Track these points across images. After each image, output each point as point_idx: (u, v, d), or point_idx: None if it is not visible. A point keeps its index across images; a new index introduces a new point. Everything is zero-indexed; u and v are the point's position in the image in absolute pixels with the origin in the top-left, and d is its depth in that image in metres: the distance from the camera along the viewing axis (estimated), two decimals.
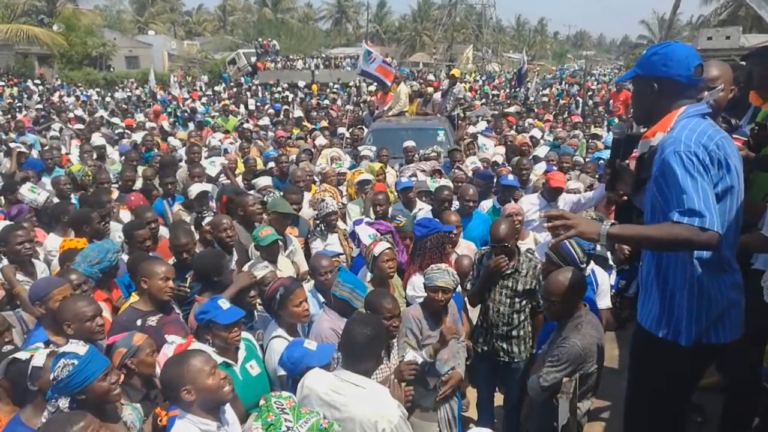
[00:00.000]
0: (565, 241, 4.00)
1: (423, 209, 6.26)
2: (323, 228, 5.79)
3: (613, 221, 2.66)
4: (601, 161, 7.61)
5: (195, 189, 6.42)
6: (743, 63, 4.39)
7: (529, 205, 6.23)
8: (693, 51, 2.68)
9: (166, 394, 2.80)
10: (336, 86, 28.68)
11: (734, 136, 3.87)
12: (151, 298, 3.75)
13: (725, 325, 2.63)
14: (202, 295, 4.23)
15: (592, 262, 4.32)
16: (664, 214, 2.48)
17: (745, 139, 3.94)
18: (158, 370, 3.02)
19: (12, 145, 9.01)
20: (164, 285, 3.73)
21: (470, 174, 7.70)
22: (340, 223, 6.05)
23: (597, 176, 7.67)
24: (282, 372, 3.36)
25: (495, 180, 7.18)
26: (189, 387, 2.59)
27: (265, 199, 6.14)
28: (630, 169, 2.97)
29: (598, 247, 4.46)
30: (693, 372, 2.84)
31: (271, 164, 8.78)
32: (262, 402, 2.60)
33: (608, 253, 4.78)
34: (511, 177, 6.65)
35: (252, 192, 6.82)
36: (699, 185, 2.39)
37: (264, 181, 7.25)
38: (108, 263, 4.23)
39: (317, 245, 5.63)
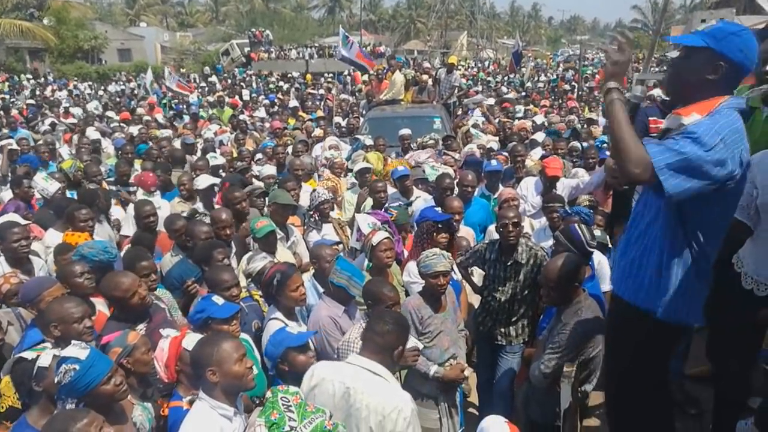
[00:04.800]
0: (574, 224, 4.02)
1: (420, 197, 6.25)
2: (317, 218, 5.74)
3: (622, 98, 2.53)
4: (605, 145, 7.50)
5: (203, 181, 6.38)
6: None
7: (527, 188, 6.24)
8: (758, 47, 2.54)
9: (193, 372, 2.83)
10: (330, 75, 28.55)
11: None
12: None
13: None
14: (201, 285, 4.25)
15: None
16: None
17: None
18: (157, 366, 3.02)
19: (2, 142, 8.93)
20: (135, 297, 3.58)
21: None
22: (333, 213, 6.02)
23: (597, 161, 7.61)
24: None
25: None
26: (215, 368, 2.62)
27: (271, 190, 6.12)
28: None
29: (598, 232, 4.47)
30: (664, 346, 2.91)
31: (259, 156, 8.76)
32: (268, 394, 2.59)
33: (607, 238, 4.79)
34: (494, 162, 6.62)
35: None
36: (703, 157, 2.31)
37: (268, 170, 7.24)
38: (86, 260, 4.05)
39: (313, 236, 5.60)
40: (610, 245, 5.01)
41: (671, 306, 2.66)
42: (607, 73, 2.59)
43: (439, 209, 4.87)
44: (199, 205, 6.08)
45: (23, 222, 4.87)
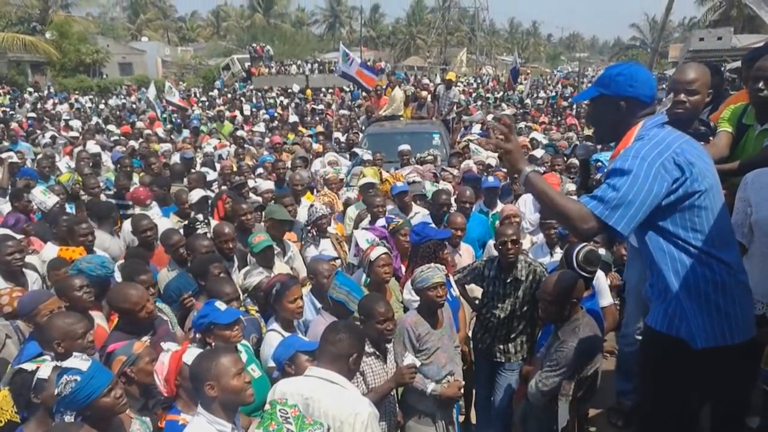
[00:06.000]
0: (576, 245, 4.01)
1: (419, 213, 6.25)
2: (315, 233, 5.72)
3: (537, 169, 2.68)
4: (599, 163, 7.54)
5: (195, 195, 6.39)
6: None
7: (525, 205, 6.26)
8: (650, 73, 2.73)
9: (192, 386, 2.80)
10: (330, 90, 28.74)
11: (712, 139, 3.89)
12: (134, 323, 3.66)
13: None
14: (198, 299, 4.24)
15: None
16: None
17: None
18: (157, 380, 3.02)
19: (3, 155, 8.93)
20: (143, 311, 3.61)
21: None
22: (331, 228, 6.01)
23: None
24: (272, 364, 3.42)
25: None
26: (213, 383, 2.61)
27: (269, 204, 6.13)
28: None
29: (603, 251, 4.48)
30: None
31: (260, 170, 8.78)
32: (267, 407, 2.60)
33: (610, 257, 4.81)
34: (491, 179, 6.64)
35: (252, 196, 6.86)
36: (628, 181, 2.39)
37: (266, 185, 7.24)
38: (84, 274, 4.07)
39: (311, 251, 5.58)
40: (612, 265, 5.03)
41: (696, 329, 2.52)
42: (507, 164, 2.74)
43: (433, 225, 4.88)
44: (199, 216, 6.09)
45: (17, 236, 4.86)
